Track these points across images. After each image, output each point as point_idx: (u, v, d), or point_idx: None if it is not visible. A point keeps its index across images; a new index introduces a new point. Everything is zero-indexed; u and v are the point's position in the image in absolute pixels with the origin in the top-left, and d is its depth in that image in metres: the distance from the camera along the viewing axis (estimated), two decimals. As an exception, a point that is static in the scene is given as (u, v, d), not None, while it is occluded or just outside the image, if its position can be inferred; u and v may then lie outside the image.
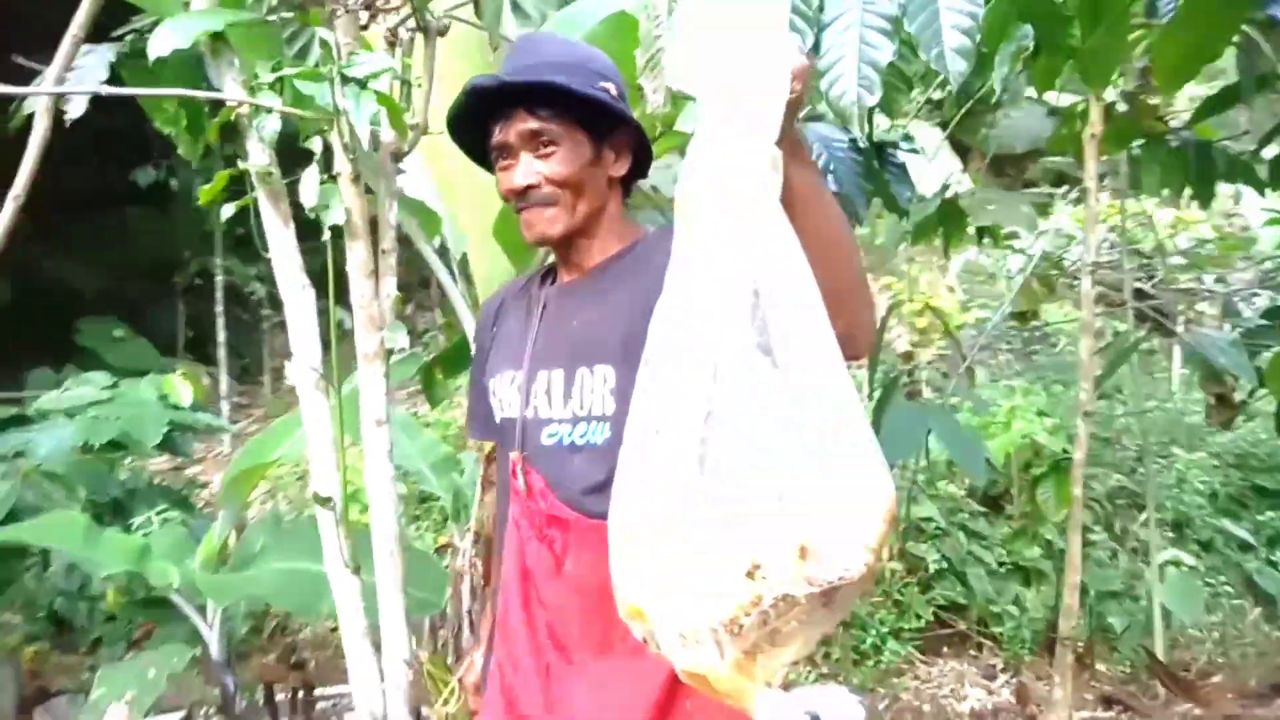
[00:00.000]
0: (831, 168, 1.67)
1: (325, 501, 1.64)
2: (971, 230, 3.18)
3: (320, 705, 2.78)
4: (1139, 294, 3.31)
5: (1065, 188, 4.89)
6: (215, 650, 2.29)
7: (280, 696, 2.60)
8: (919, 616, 4.21)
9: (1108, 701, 3.30)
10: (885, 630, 4.18)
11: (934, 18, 1.05)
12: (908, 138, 1.73)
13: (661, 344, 0.91)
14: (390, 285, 1.59)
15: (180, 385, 3.13)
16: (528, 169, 1.24)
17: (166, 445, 2.92)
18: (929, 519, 4.41)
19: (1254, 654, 4.05)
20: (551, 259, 1.41)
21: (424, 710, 1.78)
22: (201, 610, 2.28)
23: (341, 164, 1.47)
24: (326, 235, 1.44)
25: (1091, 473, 4.42)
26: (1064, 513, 3.06)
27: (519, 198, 1.26)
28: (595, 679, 1.21)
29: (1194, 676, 3.70)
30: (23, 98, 1.68)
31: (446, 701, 1.55)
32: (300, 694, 2.60)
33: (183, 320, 6.91)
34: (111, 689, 1.99)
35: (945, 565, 4.32)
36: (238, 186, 1.57)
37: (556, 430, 1.25)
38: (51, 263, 6.80)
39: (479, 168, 1.37)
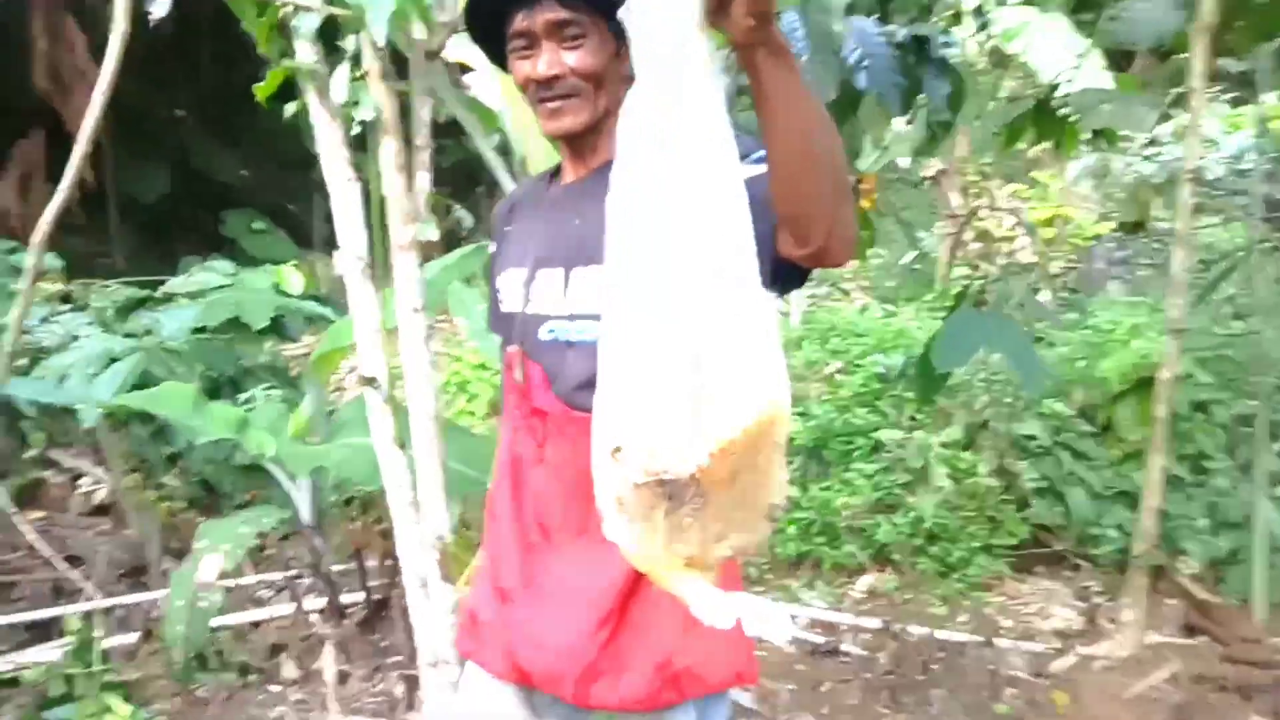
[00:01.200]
0: (866, 63, 1.61)
1: (371, 382, 1.77)
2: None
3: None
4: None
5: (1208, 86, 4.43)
6: (305, 514, 2.53)
7: (370, 563, 2.85)
8: (1013, 534, 4.13)
9: (1191, 629, 3.17)
10: (976, 545, 4.13)
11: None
12: (947, 29, 1.64)
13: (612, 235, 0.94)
14: (424, 180, 1.66)
15: (291, 275, 3.36)
16: (553, 59, 1.23)
17: (274, 329, 3.17)
18: (1031, 436, 4.27)
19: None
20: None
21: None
22: (293, 478, 2.52)
23: (370, 61, 1.54)
24: (355, 130, 1.52)
25: (1218, 397, 4.15)
26: (1143, 433, 2.91)
27: (541, 88, 1.25)
28: (571, 557, 1.28)
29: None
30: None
31: (469, 581, 1.67)
32: (386, 558, 2.84)
33: (319, 215, 7.31)
34: (211, 541, 2.25)
35: (1045, 484, 4.20)
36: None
37: (554, 326, 1.28)
38: (207, 156, 7.30)
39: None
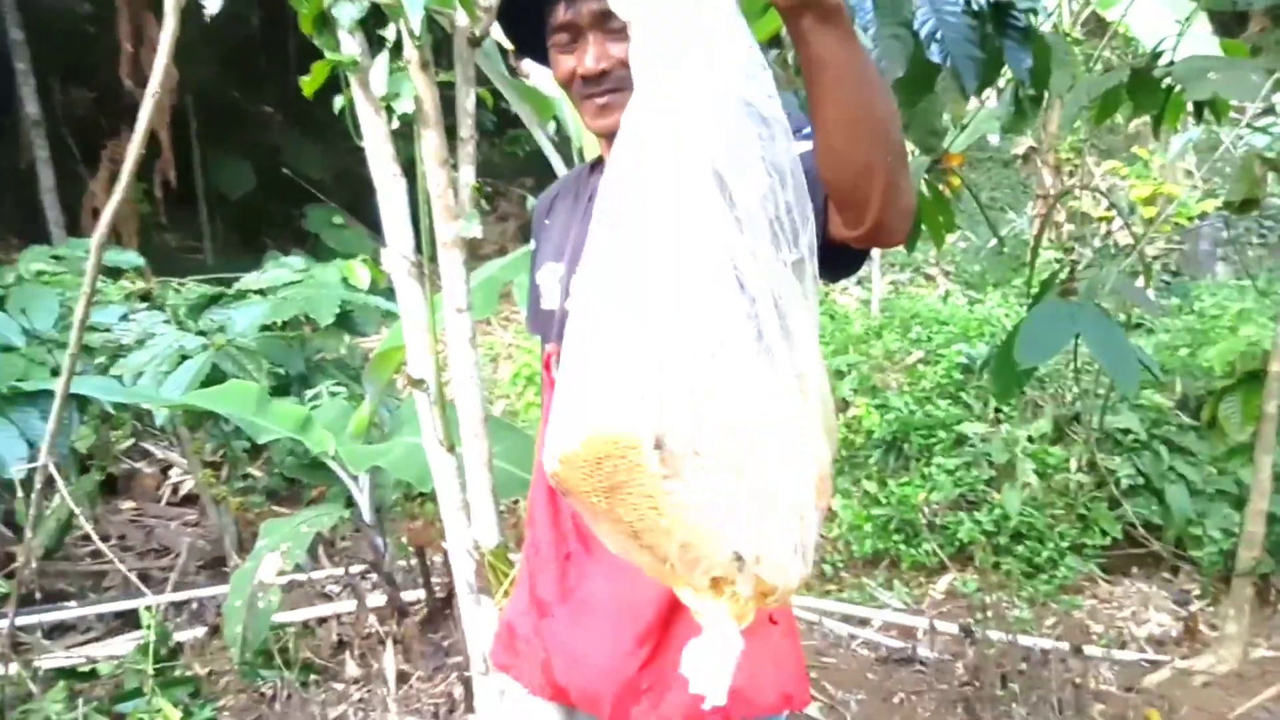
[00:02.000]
0: (939, 34, 1.49)
1: (419, 383, 1.73)
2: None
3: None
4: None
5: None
6: (366, 513, 2.52)
7: (433, 560, 2.84)
8: (1105, 533, 3.92)
9: (1300, 643, 2.94)
10: (1065, 545, 3.93)
11: None
12: (1031, -2, 1.50)
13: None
14: (468, 174, 1.60)
15: (359, 269, 3.37)
16: (600, 52, 1.17)
17: (343, 324, 3.18)
18: (1127, 430, 4.03)
19: None
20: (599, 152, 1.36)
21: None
22: (355, 477, 2.52)
23: (409, 50, 1.48)
24: (395, 124, 1.47)
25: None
26: (1250, 430, 2.69)
27: (588, 83, 1.19)
28: (611, 569, 1.21)
29: None
30: None
31: (507, 594, 1.62)
32: (448, 557, 2.82)
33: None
34: (271, 540, 2.25)
35: (1141, 481, 3.96)
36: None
37: None
38: (294, 151, 7.45)
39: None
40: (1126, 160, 5.41)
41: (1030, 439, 4.29)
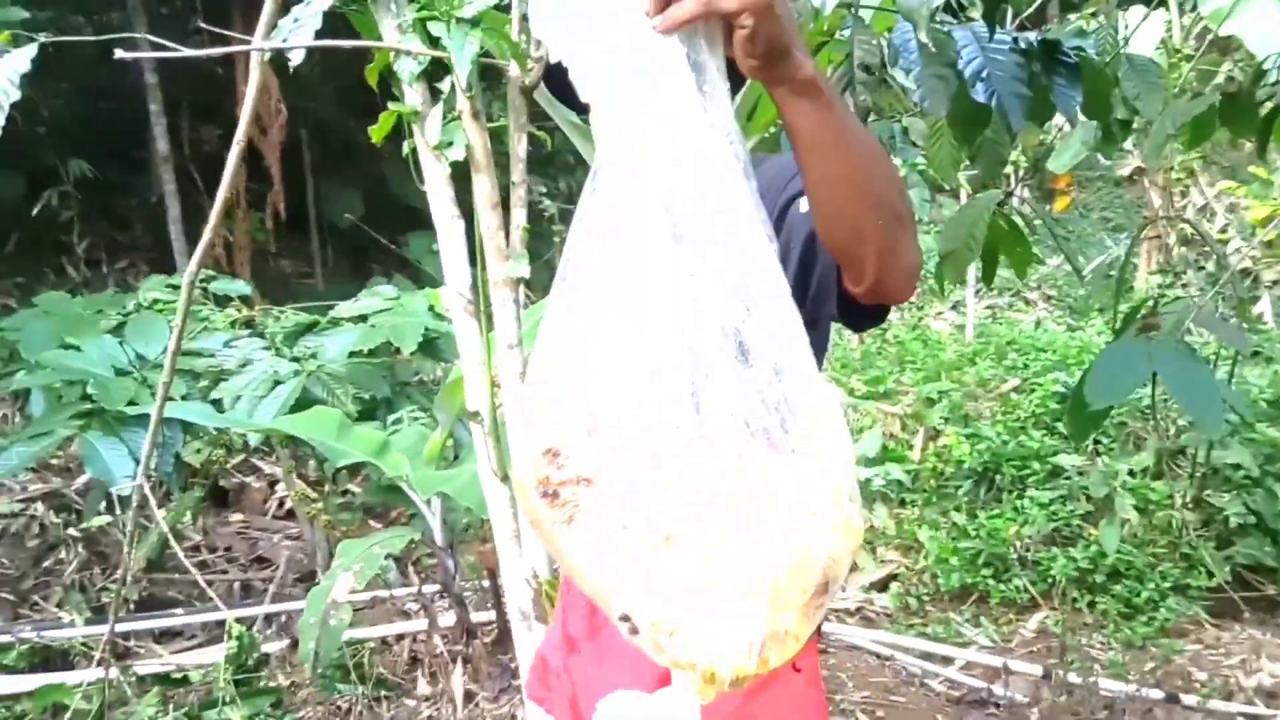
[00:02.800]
0: (984, 73, 1.47)
1: (474, 415, 1.79)
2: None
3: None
4: None
5: None
6: (438, 535, 2.61)
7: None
8: (1211, 575, 3.70)
9: None
10: (1167, 585, 3.73)
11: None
12: (1082, 33, 1.46)
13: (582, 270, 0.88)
14: (520, 216, 1.66)
15: (445, 298, 3.49)
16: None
17: (428, 351, 3.30)
18: (1237, 466, 3.81)
19: None
20: None
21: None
22: (428, 501, 2.61)
23: (461, 102, 1.56)
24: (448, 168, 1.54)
25: None
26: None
27: None
28: None
29: None
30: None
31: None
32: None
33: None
34: (346, 560, 2.36)
35: (1253, 520, 3.73)
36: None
37: None
38: (398, 181, 7.77)
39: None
40: (1245, 179, 5.11)
41: (1131, 473, 4.10)
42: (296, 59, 2.03)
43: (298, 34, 1.85)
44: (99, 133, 6.57)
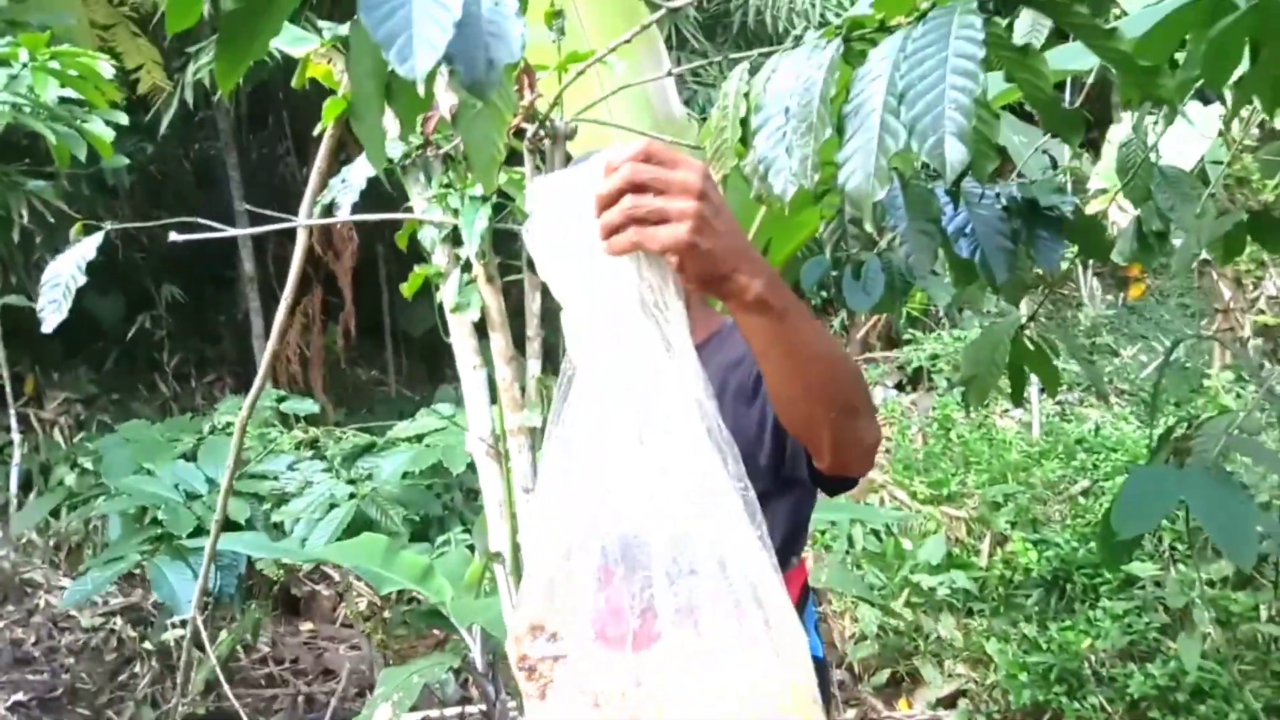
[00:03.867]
0: (968, 228, 1.52)
1: (495, 556, 1.86)
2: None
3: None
4: None
5: None
6: (478, 661, 2.65)
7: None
8: (1306, 696, 3.47)
9: None
10: (1258, 706, 3.50)
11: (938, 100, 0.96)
12: (1060, 190, 1.49)
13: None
14: (534, 367, 1.76)
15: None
16: None
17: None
18: (1330, 573, 3.60)
19: None
20: None
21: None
22: (469, 626, 2.67)
23: (476, 267, 1.67)
24: (466, 329, 1.65)
25: None
26: None
27: None
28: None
29: None
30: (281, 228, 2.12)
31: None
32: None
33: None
34: (386, 689, 2.42)
35: (1351, 634, 3.51)
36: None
37: None
38: (470, 291, 8.10)
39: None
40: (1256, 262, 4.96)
41: (1210, 583, 3.90)
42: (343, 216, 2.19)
43: (344, 196, 2.00)
44: (191, 255, 7.04)
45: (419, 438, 3.56)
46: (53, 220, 4.96)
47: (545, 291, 1.86)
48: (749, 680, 0.87)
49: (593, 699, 0.85)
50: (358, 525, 3.04)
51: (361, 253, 6.70)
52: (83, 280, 1.62)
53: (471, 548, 2.92)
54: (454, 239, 1.75)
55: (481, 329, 1.87)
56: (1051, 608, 4.21)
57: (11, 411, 4.81)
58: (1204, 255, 5.55)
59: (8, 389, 4.72)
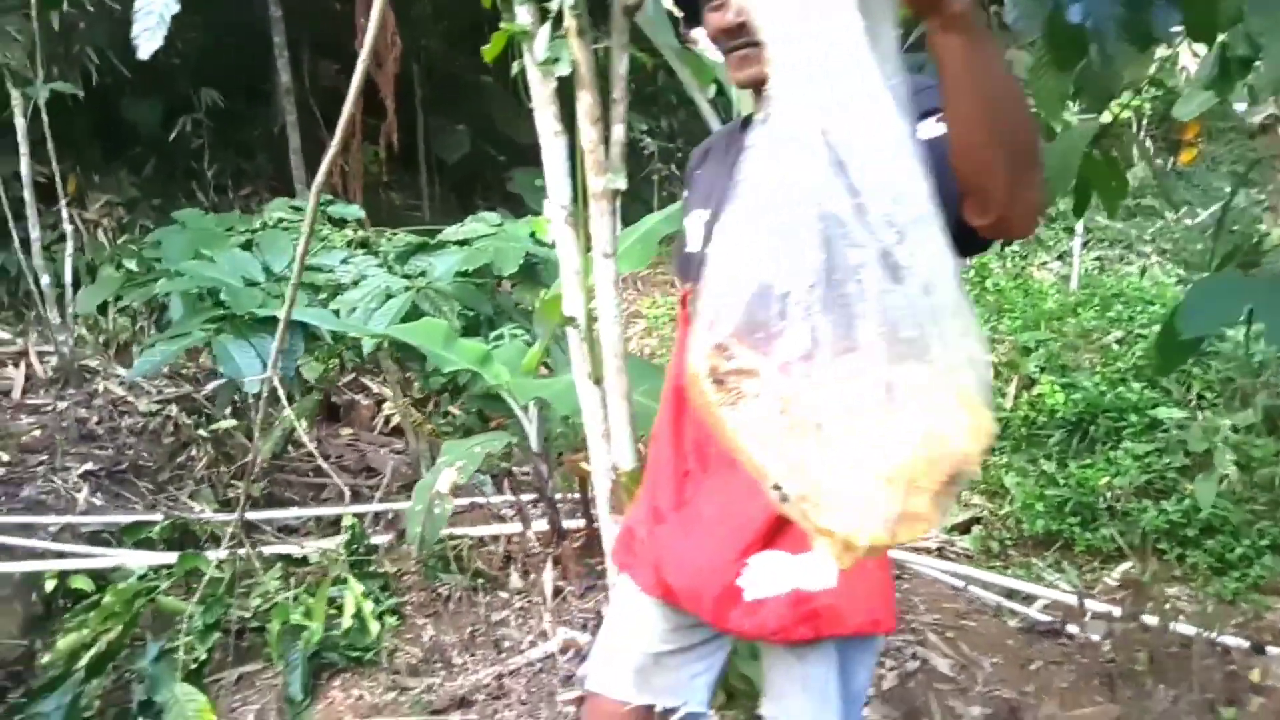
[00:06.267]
0: (1079, -4, 1.49)
1: (570, 320, 1.93)
2: None
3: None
4: None
5: None
6: (534, 442, 2.79)
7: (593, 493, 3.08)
8: (1313, 531, 3.60)
9: None
10: (1265, 542, 3.65)
11: None
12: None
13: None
14: (619, 132, 1.76)
15: (547, 225, 3.64)
16: (738, 6, 1.26)
17: (527, 275, 3.46)
18: (1347, 411, 3.68)
19: None
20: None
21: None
22: (525, 408, 2.78)
23: (568, 19, 1.65)
24: (554, 85, 1.65)
25: None
26: None
27: (730, 36, 1.29)
28: (723, 485, 1.34)
29: None
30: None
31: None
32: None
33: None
34: (450, 457, 2.56)
35: (1363, 475, 3.61)
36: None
37: None
38: (506, 119, 7.96)
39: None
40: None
41: (1234, 429, 3.99)
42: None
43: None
44: (227, 66, 6.92)
45: (467, 241, 3.59)
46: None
47: (632, 60, 1.84)
48: (933, 389, 0.89)
49: (781, 405, 0.88)
50: (411, 318, 3.12)
51: (397, 75, 6.56)
52: (176, 8, 1.62)
53: (528, 341, 3.01)
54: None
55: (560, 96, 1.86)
56: (1073, 448, 4.33)
57: (62, 204, 4.87)
58: (1271, 111, 5.36)
59: (58, 182, 4.75)
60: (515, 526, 3.15)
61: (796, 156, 0.88)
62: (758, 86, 1.30)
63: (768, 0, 0.89)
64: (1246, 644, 2.95)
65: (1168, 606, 3.18)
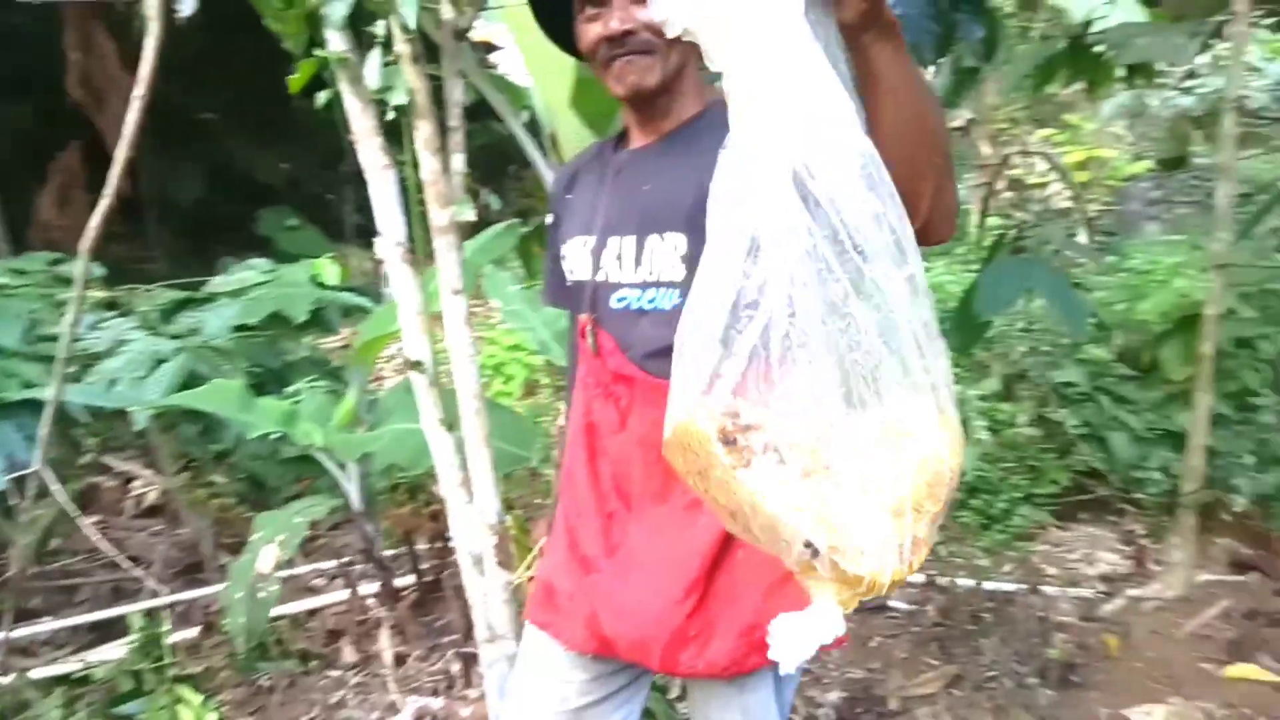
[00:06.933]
0: (899, 11, 1.60)
1: (417, 365, 1.80)
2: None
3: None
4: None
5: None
6: (355, 501, 2.58)
7: (420, 546, 2.90)
8: (1055, 482, 4.12)
9: (1240, 566, 3.15)
10: (1018, 495, 4.12)
11: None
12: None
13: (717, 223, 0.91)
14: (459, 161, 1.67)
15: (329, 267, 3.40)
16: (625, 14, 1.21)
17: (316, 322, 3.21)
18: (1071, 384, 4.24)
19: None
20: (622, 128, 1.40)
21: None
22: (342, 467, 2.56)
23: (401, 46, 1.54)
24: (390, 115, 1.53)
25: (1263, 332, 4.10)
26: (1187, 372, 2.88)
27: (612, 45, 1.23)
28: (653, 524, 1.27)
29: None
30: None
31: (530, 565, 1.69)
32: (435, 540, 2.89)
33: (350, 207, 7.37)
34: (267, 532, 2.30)
35: (1086, 430, 4.17)
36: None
37: (625, 295, 1.28)
38: (243, 156, 7.34)
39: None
40: (1060, 128, 5.62)
41: (981, 398, 4.48)
42: (187, 9, 1.94)
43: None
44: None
45: (240, 292, 3.28)
46: None
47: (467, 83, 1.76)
48: (921, 438, 0.89)
49: (792, 453, 0.85)
50: (189, 384, 2.79)
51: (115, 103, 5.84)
52: None
53: (332, 392, 2.78)
54: (358, 17, 1.59)
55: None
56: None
57: None
58: (968, 115, 6.08)
59: None
60: (332, 596, 2.89)
61: (767, 188, 0.86)
62: (640, 98, 1.26)
63: (719, 26, 0.87)
64: (1026, 587, 3.32)
65: (950, 565, 3.51)
